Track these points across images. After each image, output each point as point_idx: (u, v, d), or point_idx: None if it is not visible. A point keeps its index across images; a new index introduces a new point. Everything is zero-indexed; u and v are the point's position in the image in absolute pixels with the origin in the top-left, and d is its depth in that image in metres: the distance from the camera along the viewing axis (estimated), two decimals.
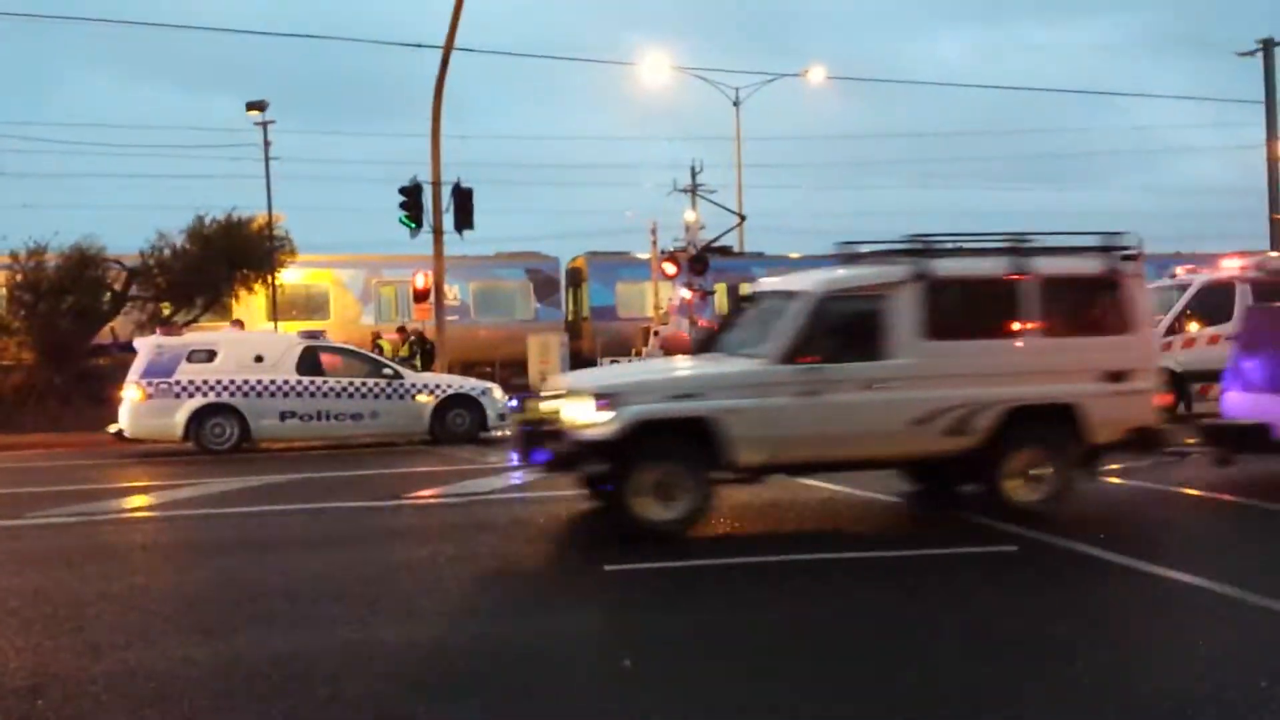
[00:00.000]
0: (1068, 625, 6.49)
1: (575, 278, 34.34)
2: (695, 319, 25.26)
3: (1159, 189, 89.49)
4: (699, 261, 25.50)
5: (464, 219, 22.79)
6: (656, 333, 26.66)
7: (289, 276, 29.72)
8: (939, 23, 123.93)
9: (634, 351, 26.29)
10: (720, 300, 30.94)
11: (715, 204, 36.22)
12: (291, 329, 23.52)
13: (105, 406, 19.72)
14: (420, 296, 24.08)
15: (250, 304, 28.97)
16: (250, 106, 30.75)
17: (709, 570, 8.17)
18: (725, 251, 32.19)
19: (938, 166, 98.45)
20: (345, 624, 6.72)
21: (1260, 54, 34.57)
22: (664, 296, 28.94)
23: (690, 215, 32.98)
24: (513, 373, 27.46)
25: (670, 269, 26.19)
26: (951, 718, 5.05)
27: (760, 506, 10.80)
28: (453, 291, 29.95)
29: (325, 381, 17.93)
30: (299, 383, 17.82)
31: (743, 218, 35.41)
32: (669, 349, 25.22)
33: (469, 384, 18.83)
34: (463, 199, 22.70)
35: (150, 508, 12.51)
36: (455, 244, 24.06)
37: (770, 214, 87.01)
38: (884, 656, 5.95)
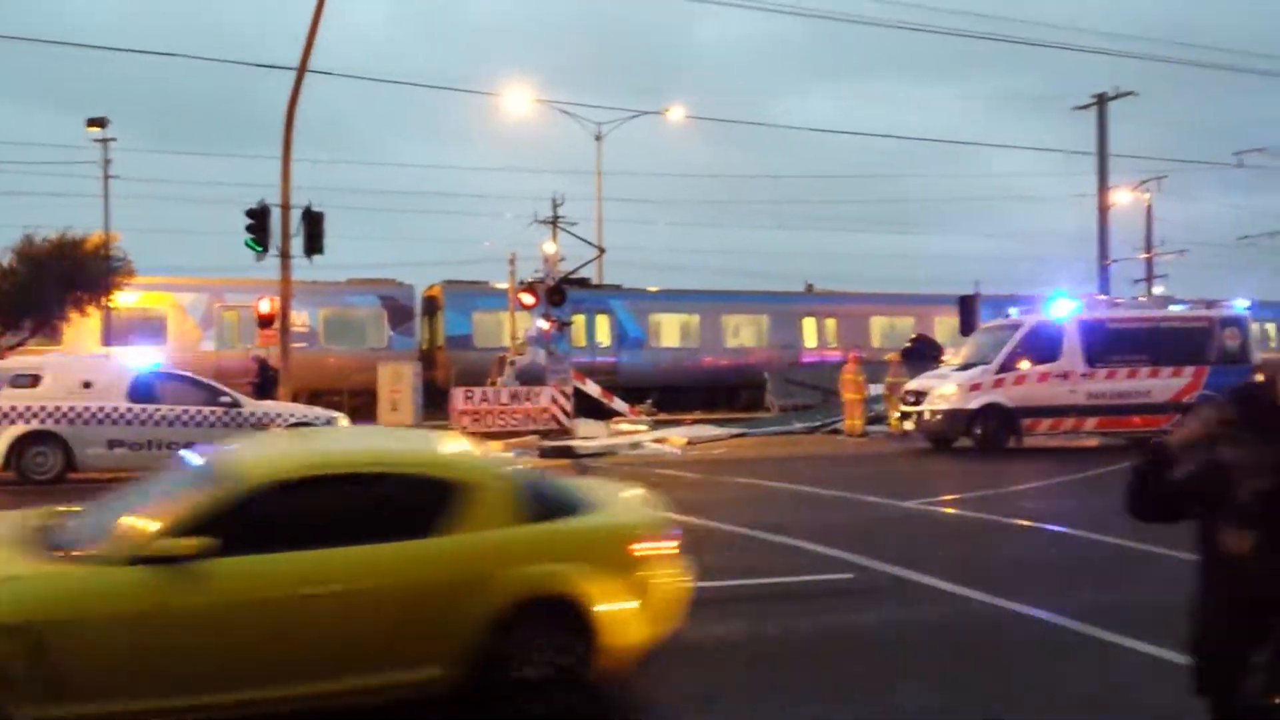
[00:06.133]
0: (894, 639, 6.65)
1: (431, 306, 33.80)
2: (551, 350, 25.17)
3: (1004, 234, 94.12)
4: (557, 293, 25.43)
5: (314, 243, 22.13)
6: (512, 363, 26.46)
7: (126, 299, 28.30)
8: (810, 76, 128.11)
9: (489, 380, 25.98)
10: (577, 332, 30.98)
11: (575, 236, 36.33)
12: (125, 354, 22.38)
13: None
14: (265, 322, 23.23)
15: (83, 327, 27.48)
16: (91, 123, 29.23)
17: None
18: (584, 283, 32.25)
19: (797, 209, 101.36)
20: None
21: (1095, 108, 36.90)
22: (521, 327, 28.76)
23: (550, 247, 32.93)
24: (364, 401, 26.79)
25: (528, 299, 26.04)
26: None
27: None
28: (301, 318, 29.07)
29: (158, 409, 17.07)
30: (129, 410, 16.91)
31: (601, 250, 35.59)
32: (525, 380, 25.09)
33: (312, 413, 18.22)
34: (313, 223, 22.07)
35: None
36: (307, 269, 23.39)
37: (630, 248, 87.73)
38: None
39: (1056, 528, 11.27)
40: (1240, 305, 22.57)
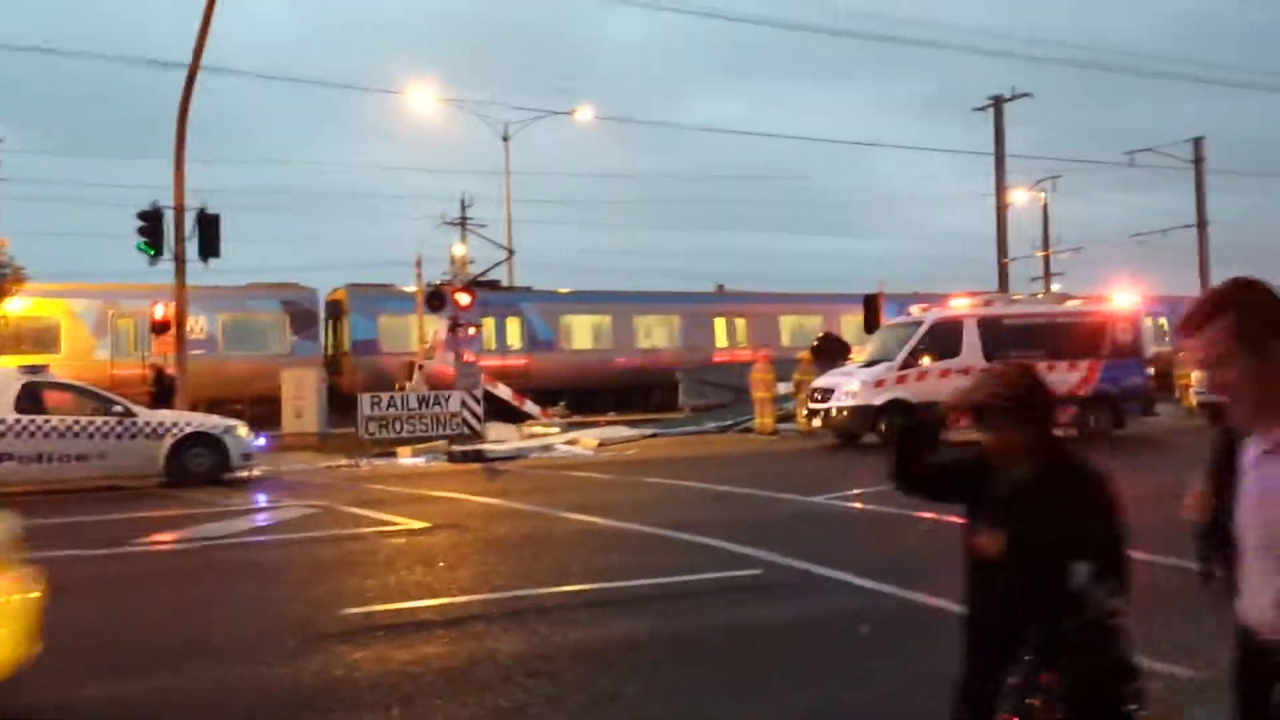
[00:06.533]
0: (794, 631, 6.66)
1: (336, 310, 33.10)
2: (461, 354, 24.82)
3: (909, 235, 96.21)
4: (463, 295, 25.05)
5: (209, 247, 21.54)
6: (420, 367, 26.04)
7: (15, 306, 27.12)
8: (719, 78, 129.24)
9: (397, 386, 25.53)
10: (488, 335, 30.61)
11: (485, 238, 35.99)
12: (13, 364, 21.45)
13: None
14: (159, 328, 22.50)
15: None
16: None
17: (449, 610, 7.90)
18: (493, 285, 31.93)
19: (707, 209, 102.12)
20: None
21: (991, 110, 37.84)
22: (429, 330, 28.34)
23: (458, 248, 32.53)
24: (266, 410, 26.09)
25: (435, 302, 25.63)
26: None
27: (518, 541, 10.60)
28: (199, 324, 28.23)
29: (48, 420, 16.39)
30: (17, 421, 16.21)
31: (511, 252, 35.30)
32: (434, 384, 24.69)
33: (210, 421, 17.67)
34: (208, 226, 21.49)
35: None
36: (206, 274, 22.71)
37: (542, 250, 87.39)
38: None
39: (961, 520, 11.43)
40: (1132, 300, 23.35)
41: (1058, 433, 3.17)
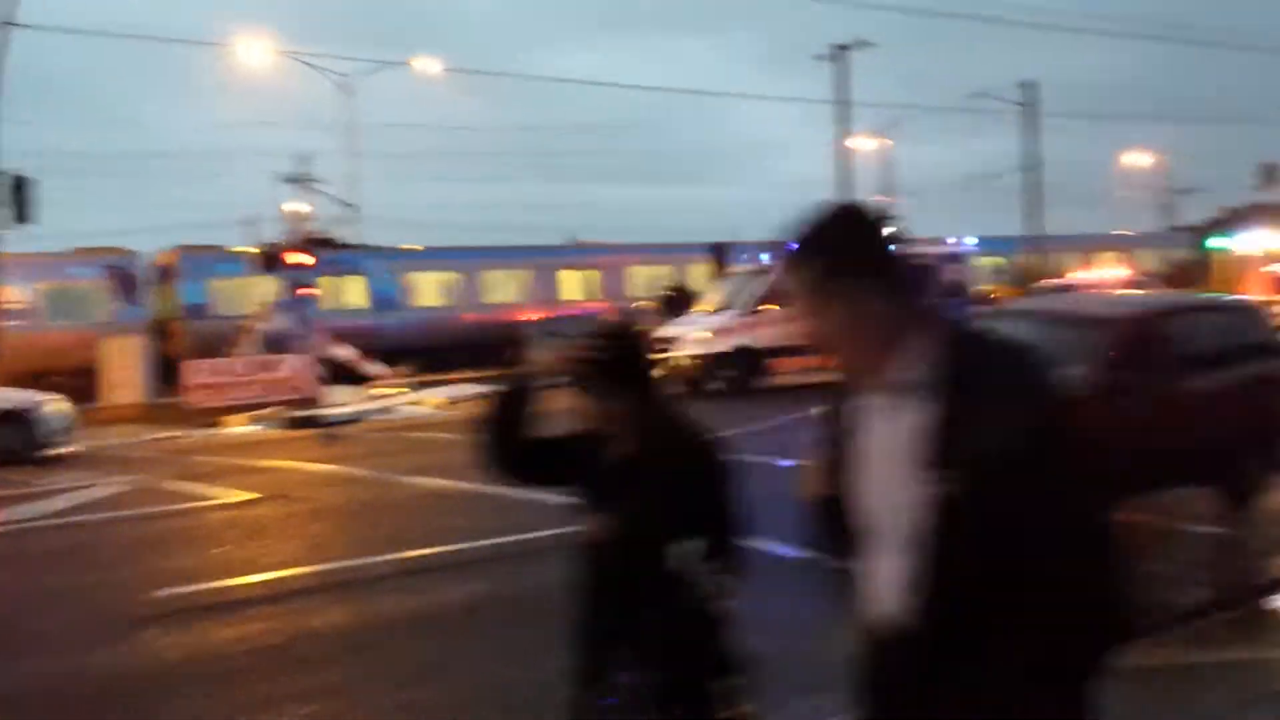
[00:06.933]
0: None
1: (165, 275, 31.41)
2: (298, 316, 23.91)
3: (762, 183, 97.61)
4: (298, 254, 24.11)
5: (24, 212, 20.27)
6: (252, 330, 24.97)
7: None
8: (570, 30, 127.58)
9: (231, 352, 24.41)
10: (327, 295, 29.56)
11: (327, 195, 34.66)
12: None
13: None
14: None
15: None
16: None
17: (275, 585, 7.56)
18: (332, 244, 30.83)
19: (560, 162, 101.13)
20: None
21: (831, 59, 38.45)
22: (265, 293, 27.18)
23: (296, 206, 31.28)
24: (90, 381, 24.61)
25: (269, 263, 24.59)
26: None
27: (354, 509, 10.24)
28: (17, 293, 26.40)
29: None
30: None
31: (354, 208, 34.18)
32: (269, 348, 23.73)
33: (17, 397, 16.46)
34: (22, 190, 20.15)
35: None
36: (30, 241, 21.34)
37: (390, 206, 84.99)
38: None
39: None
40: (968, 241, 24.20)
41: (670, 395, 2.74)
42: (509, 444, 2.69)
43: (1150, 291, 11.82)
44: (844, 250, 1.83)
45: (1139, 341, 8.27)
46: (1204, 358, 8.55)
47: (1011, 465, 1.66)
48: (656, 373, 2.67)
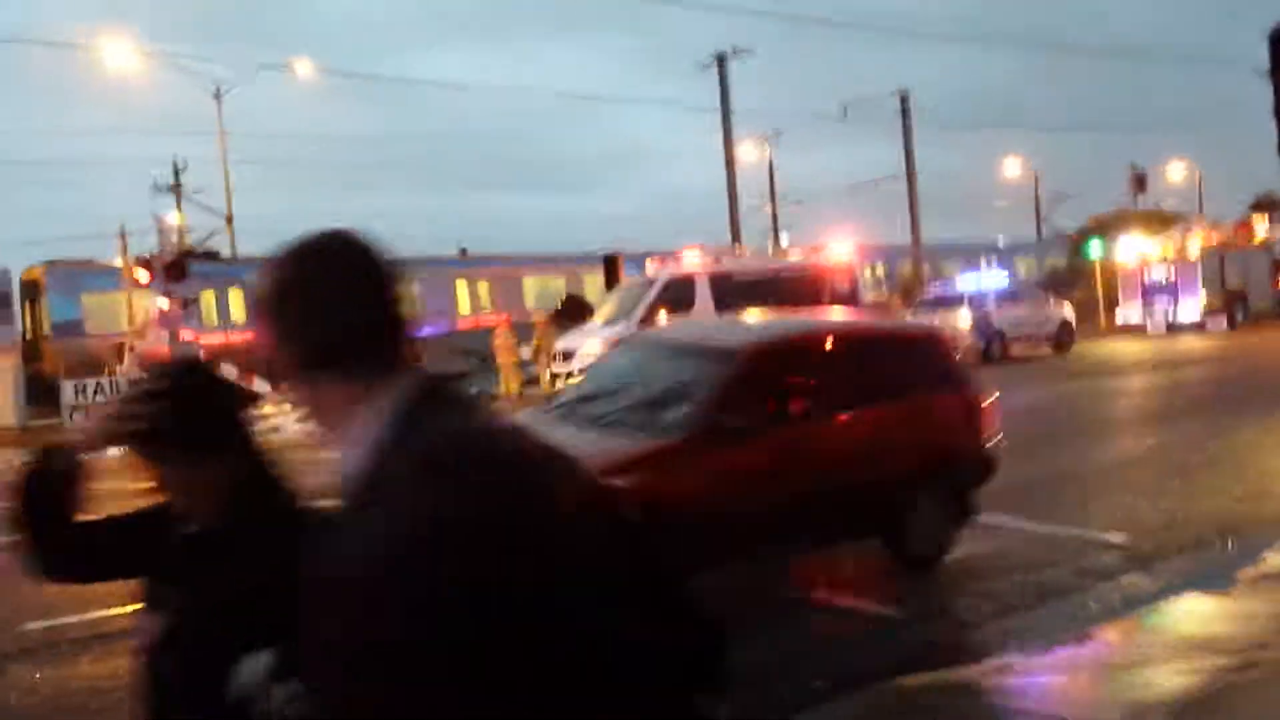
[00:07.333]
0: None
1: (32, 291, 30.03)
2: (177, 331, 23.13)
3: (649, 193, 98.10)
4: (176, 267, 23.31)
5: None
6: (132, 348, 24.07)
7: None
8: (448, 36, 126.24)
9: (107, 371, 23.48)
10: (207, 309, 28.68)
11: (201, 205, 33.63)
12: None
13: None
14: None
15: None
16: None
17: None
18: (211, 256, 29.94)
19: (447, 171, 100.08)
20: None
21: (715, 67, 38.87)
22: (140, 308, 26.21)
23: (171, 217, 30.28)
24: None
25: (144, 276, 23.72)
26: None
27: None
28: None
29: None
30: None
31: (229, 219, 33.22)
32: (147, 366, 22.87)
33: None
34: None
35: None
36: None
37: (268, 217, 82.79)
38: None
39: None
40: (848, 250, 24.73)
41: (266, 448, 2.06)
42: (46, 537, 2.05)
43: (804, 316, 10.66)
44: (289, 330, 1.52)
45: (759, 376, 7.06)
46: (859, 391, 7.33)
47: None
48: (246, 417, 2.03)
